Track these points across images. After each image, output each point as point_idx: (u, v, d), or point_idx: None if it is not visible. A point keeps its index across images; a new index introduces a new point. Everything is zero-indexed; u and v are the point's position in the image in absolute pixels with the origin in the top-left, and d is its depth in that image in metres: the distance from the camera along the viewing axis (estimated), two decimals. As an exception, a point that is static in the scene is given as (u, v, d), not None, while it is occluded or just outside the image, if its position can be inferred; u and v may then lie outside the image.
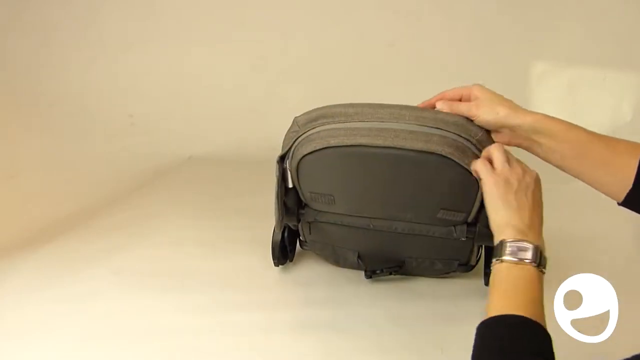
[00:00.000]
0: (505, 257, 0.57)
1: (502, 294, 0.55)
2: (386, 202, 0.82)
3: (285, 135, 0.82)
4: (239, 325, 0.83)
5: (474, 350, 0.51)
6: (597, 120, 1.78)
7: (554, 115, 0.68)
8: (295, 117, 0.80)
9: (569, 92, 1.85)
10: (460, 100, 0.74)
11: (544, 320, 0.51)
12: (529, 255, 0.56)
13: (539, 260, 0.56)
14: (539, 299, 0.53)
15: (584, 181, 0.65)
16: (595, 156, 0.63)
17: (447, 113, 0.73)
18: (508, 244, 0.57)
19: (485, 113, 0.68)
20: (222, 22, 1.85)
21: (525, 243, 0.57)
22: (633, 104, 1.71)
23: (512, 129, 0.68)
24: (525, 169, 0.65)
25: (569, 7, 1.79)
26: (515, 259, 0.56)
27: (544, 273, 0.56)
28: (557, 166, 0.66)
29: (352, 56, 1.85)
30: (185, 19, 1.85)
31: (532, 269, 0.55)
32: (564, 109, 1.85)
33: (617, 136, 0.65)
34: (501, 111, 0.67)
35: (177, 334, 0.82)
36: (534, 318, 0.50)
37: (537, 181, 0.64)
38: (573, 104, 1.84)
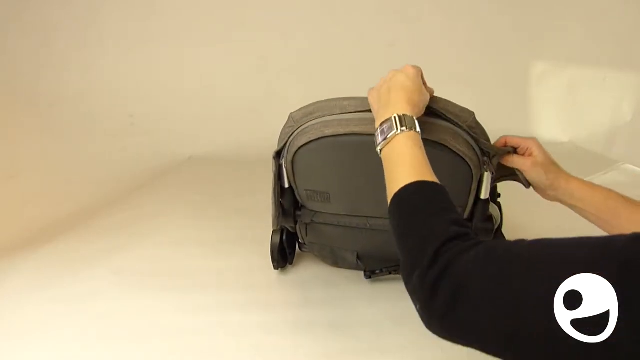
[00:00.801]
0: (380, 146, 0.60)
1: (391, 174, 0.57)
2: (381, 196, 0.82)
3: (281, 132, 0.82)
4: (239, 325, 0.83)
5: (393, 236, 0.53)
6: (597, 120, 1.78)
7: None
8: (291, 113, 0.80)
9: (569, 92, 1.86)
10: (516, 149, 0.80)
11: (432, 174, 0.55)
12: (393, 128, 0.59)
13: (404, 125, 0.59)
14: (419, 159, 0.56)
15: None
16: (629, 216, 0.67)
17: None
18: (377, 134, 0.61)
19: (537, 174, 0.76)
20: (222, 22, 1.86)
21: (385, 123, 0.60)
22: (633, 104, 1.71)
23: (555, 190, 0.75)
24: (395, 71, 0.68)
25: (569, 7, 1.79)
26: (387, 139, 0.59)
27: (416, 131, 0.59)
28: (592, 222, 0.72)
29: (352, 56, 1.85)
30: (186, 19, 1.85)
31: (400, 137, 0.58)
32: (564, 109, 1.85)
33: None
34: (550, 177, 0.75)
35: (177, 334, 0.82)
36: (423, 178, 0.53)
37: (406, 73, 0.67)
38: (573, 104, 1.84)
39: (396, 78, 0.66)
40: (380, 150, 0.61)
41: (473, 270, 0.41)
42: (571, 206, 0.74)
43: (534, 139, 0.78)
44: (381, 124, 0.61)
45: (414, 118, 0.61)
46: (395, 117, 0.60)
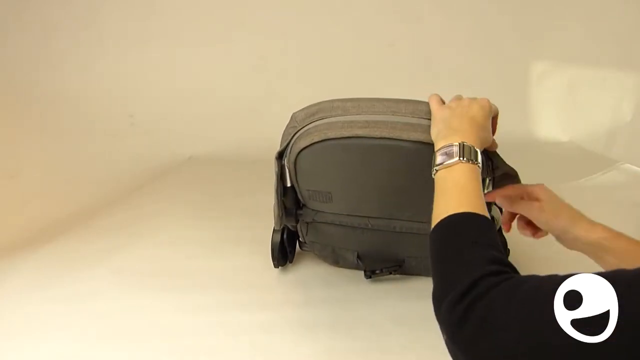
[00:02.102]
0: (437, 166, 0.60)
1: (443, 198, 0.57)
2: (384, 198, 0.82)
3: (284, 132, 0.82)
4: (239, 325, 0.83)
5: (430, 259, 0.52)
6: (597, 120, 1.78)
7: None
8: (294, 113, 0.80)
9: (569, 92, 1.86)
10: (522, 197, 0.74)
11: (485, 209, 0.54)
12: (455, 155, 0.59)
13: (468, 155, 0.59)
14: (475, 191, 0.56)
15: None
16: None
17: None
18: (438, 154, 0.61)
19: (546, 220, 0.70)
20: (222, 22, 1.85)
21: (450, 147, 0.60)
22: (633, 104, 1.71)
23: (574, 240, 0.67)
24: (472, 100, 0.68)
25: (569, 7, 1.79)
26: (447, 163, 0.59)
27: (477, 165, 0.59)
28: None
29: (352, 56, 1.85)
30: (186, 19, 1.85)
31: (461, 165, 0.58)
32: (564, 109, 1.85)
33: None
34: (562, 222, 0.68)
35: (177, 334, 0.82)
36: (475, 210, 0.52)
37: (482, 106, 0.67)
38: (573, 104, 1.84)
39: (473, 108, 0.66)
40: (436, 171, 0.60)
41: (498, 303, 0.41)
42: (597, 259, 0.65)
43: (541, 185, 0.73)
44: (445, 146, 0.61)
45: (479, 152, 0.60)
46: (461, 145, 0.60)
